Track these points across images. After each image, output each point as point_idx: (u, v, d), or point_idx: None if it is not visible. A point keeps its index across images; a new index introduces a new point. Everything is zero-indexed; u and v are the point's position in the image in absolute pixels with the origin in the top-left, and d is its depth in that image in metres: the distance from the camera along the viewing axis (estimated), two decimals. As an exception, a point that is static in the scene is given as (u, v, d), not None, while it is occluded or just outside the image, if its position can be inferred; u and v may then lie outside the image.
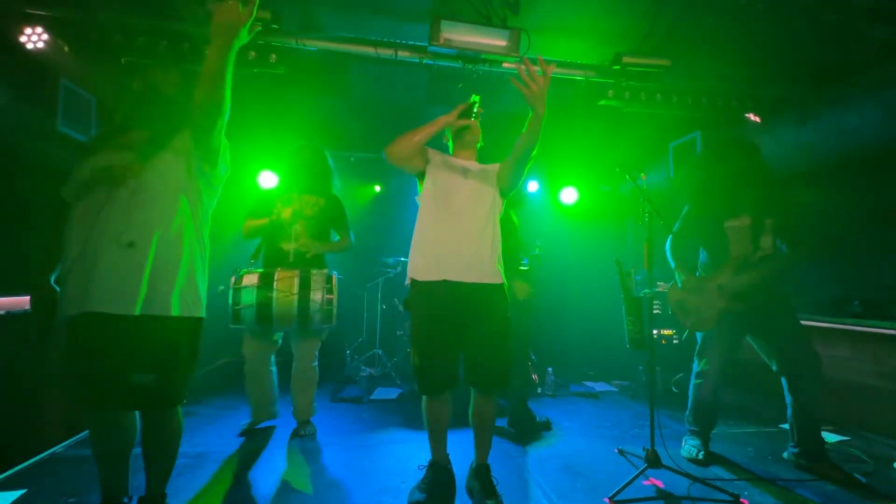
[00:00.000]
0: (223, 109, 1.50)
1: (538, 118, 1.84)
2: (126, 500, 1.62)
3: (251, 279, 2.47)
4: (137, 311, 1.43)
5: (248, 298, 2.43)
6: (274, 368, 2.77)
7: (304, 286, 2.47)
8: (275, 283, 2.46)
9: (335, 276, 2.63)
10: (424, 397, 1.97)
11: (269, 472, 2.22)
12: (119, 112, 1.68)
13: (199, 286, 1.60)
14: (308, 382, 2.71)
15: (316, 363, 2.74)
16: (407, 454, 2.45)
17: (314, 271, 2.58)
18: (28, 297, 2.59)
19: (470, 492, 2.02)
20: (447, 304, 1.88)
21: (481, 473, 1.97)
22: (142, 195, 1.49)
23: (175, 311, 1.49)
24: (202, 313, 1.60)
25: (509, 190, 2.05)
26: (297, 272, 2.54)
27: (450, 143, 2.19)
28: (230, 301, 2.46)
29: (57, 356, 1.49)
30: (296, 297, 2.44)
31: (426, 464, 2.06)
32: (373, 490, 2.05)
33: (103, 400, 1.47)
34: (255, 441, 2.63)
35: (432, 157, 2.06)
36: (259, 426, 2.78)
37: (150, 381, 1.45)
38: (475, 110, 2.03)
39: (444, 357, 1.90)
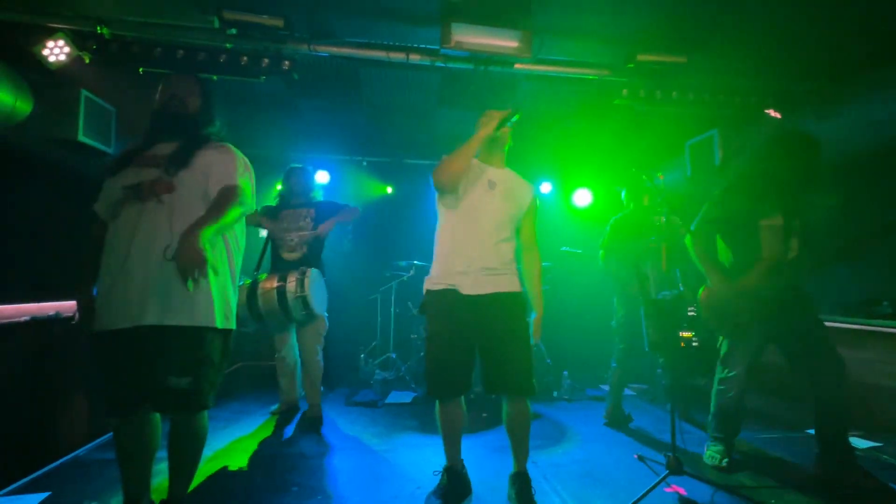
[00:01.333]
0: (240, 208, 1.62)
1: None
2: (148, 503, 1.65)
3: (243, 287, 2.79)
4: (186, 322, 1.49)
5: (240, 299, 2.70)
6: (298, 360, 3.10)
7: (282, 280, 2.77)
8: (259, 283, 2.79)
9: (309, 270, 2.82)
10: (437, 402, 1.97)
11: (284, 476, 2.23)
12: (143, 128, 1.72)
13: (231, 299, 1.67)
14: (314, 372, 2.98)
15: (319, 356, 3.00)
16: (422, 459, 2.44)
17: (292, 270, 2.82)
18: (51, 304, 2.67)
19: (510, 500, 1.96)
20: (457, 312, 1.88)
21: (518, 482, 1.93)
22: (179, 210, 1.54)
23: (217, 323, 1.56)
24: (234, 325, 1.68)
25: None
26: (278, 274, 2.80)
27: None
28: None
29: (95, 363, 1.54)
30: (274, 290, 2.73)
31: (441, 469, 2.05)
32: (388, 496, 2.04)
33: (137, 403, 1.52)
34: (270, 445, 2.65)
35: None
36: (285, 412, 3.16)
37: (186, 384, 1.50)
38: (513, 121, 1.96)
39: (454, 363, 1.90)
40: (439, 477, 2.05)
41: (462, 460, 2.07)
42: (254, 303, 2.71)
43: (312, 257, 2.99)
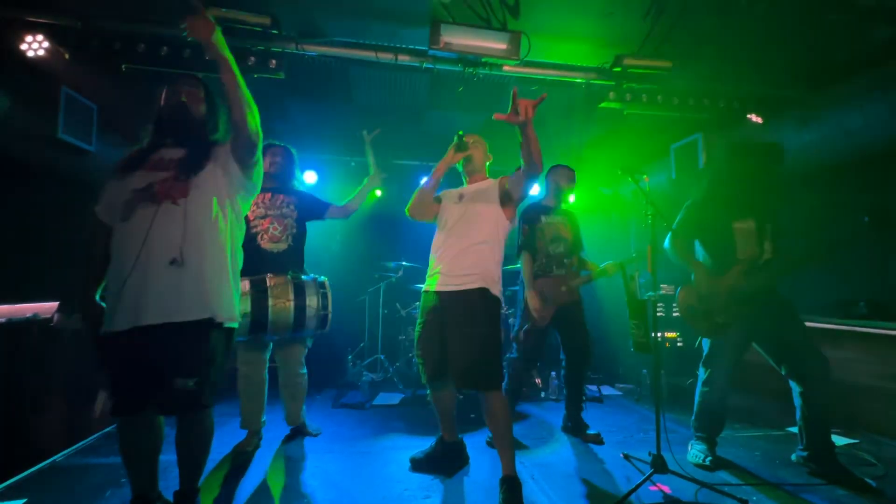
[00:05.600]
0: (256, 117, 1.62)
1: (523, 135, 1.81)
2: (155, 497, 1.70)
3: (243, 286, 2.25)
4: (193, 317, 1.52)
5: (243, 307, 2.21)
6: (266, 377, 2.63)
7: (300, 293, 2.39)
8: (269, 289, 2.33)
9: (326, 281, 2.57)
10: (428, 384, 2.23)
11: (271, 479, 2.20)
12: (147, 131, 1.75)
13: (235, 296, 1.71)
14: (299, 389, 2.70)
15: (304, 370, 2.71)
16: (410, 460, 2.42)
17: (306, 279, 2.50)
18: (29, 305, 2.59)
19: None
20: (427, 308, 2.17)
21: (506, 486, 1.91)
22: (193, 215, 1.57)
23: (221, 320, 1.59)
24: (236, 323, 1.71)
25: (518, 198, 2.16)
26: (289, 278, 2.43)
27: (463, 177, 2.37)
28: None
29: (102, 365, 1.60)
30: (292, 304, 2.35)
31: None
32: (375, 497, 2.02)
33: (143, 404, 1.56)
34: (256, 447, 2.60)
35: (443, 197, 2.31)
36: (249, 451, 2.54)
37: (192, 385, 1.52)
38: (465, 140, 2.20)
39: (427, 352, 2.15)
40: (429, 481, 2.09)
41: (460, 438, 2.33)
42: (261, 315, 2.28)
43: (298, 250, 2.66)
